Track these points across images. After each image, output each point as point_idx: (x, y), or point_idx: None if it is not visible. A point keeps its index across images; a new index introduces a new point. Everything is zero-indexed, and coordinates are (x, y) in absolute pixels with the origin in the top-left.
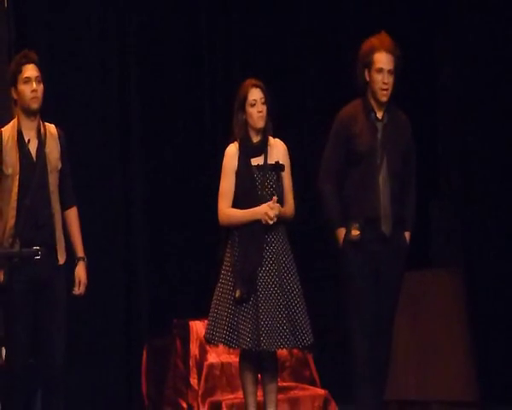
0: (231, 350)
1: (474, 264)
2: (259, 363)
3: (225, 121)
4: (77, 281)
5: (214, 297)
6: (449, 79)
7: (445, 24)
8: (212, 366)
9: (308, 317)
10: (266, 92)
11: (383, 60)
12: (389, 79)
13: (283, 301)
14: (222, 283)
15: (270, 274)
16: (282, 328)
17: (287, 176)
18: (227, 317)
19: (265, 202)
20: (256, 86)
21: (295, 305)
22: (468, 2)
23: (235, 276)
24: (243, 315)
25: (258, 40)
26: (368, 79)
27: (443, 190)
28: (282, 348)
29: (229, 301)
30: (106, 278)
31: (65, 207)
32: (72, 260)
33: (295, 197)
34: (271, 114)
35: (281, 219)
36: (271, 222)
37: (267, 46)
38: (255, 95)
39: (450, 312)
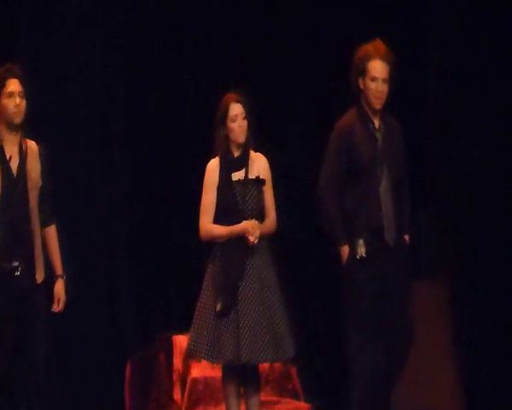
0: (214, 364)
1: (462, 274)
2: (242, 377)
3: (206, 136)
4: (56, 298)
5: (196, 311)
6: (436, 86)
7: (433, 32)
8: (195, 380)
9: (290, 330)
10: (247, 106)
11: (378, 68)
12: (383, 88)
13: (265, 314)
14: (203, 297)
15: (251, 288)
16: (264, 341)
17: (268, 190)
18: (208, 331)
19: (246, 217)
20: (236, 101)
21: (277, 318)
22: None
23: (217, 290)
24: (224, 329)
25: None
26: (362, 86)
27: (431, 200)
28: (263, 362)
29: (211, 314)
30: (90, 292)
31: (44, 224)
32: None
33: (277, 211)
34: (252, 128)
35: (263, 234)
36: (256, 241)
37: (250, 57)
38: (236, 110)
39: (436, 324)
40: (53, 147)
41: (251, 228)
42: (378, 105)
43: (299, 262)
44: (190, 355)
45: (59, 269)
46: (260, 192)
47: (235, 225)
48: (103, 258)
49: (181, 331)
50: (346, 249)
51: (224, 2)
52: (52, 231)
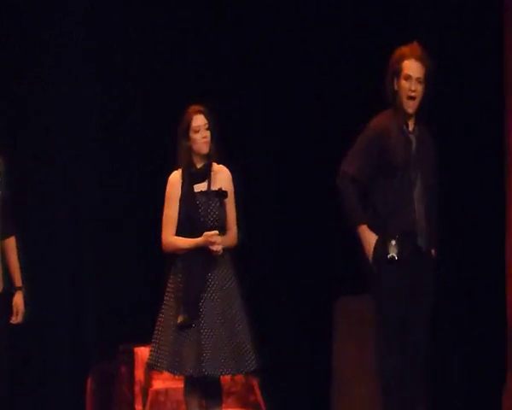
0: (176, 376)
1: None
2: (204, 389)
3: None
4: (14, 310)
5: (157, 323)
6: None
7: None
8: (157, 392)
9: (252, 342)
10: (210, 118)
11: (412, 67)
12: (417, 87)
13: (226, 326)
14: (165, 308)
15: (213, 300)
16: (225, 353)
17: (230, 203)
18: (170, 343)
19: (208, 229)
20: (199, 112)
21: (238, 330)
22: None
23: (178, 301)
24: (186, 341)
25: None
26: (396, 87)
27: None
28: (224, 374)
29: (172, 326)
30: (52, 305)
31: (4, 236)
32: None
33: (238, 224)
34: (215, 140)
35: (224, 247)
36: (219, 250)
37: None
38: (199, 121)
39: None
40: (16, 159)
41: (212, 238)
42: (410, 108)
43: (260, 275)
44: (152, 367)
45: (18, 281)
46: (222, 205)
47: (198, 238)
48: (65, 270)
49: (143, 343)
50: (363, 228)
51: (192, 15)
52: (12, 243)
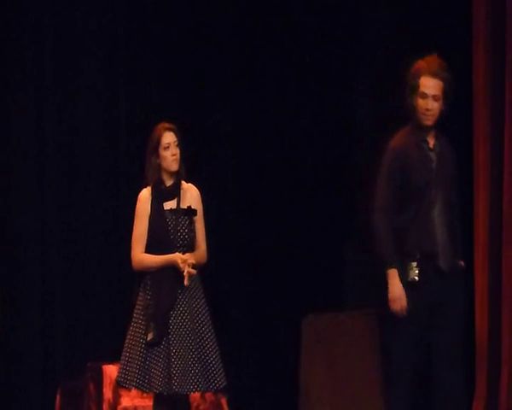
0: (144, 394)
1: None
2: (172, 407)
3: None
4: None
5: (126, 340)
6: (364, 122)
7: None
8: (125, 409)
9: (221, 360)
10: (179, 135)
11: (428, 84)
12: (433, 106)
13: (195, 344)
14: (134, 326)
15: (182, 317)
16: (194, 371)
17: (199, 221)
18: (139, 360)
19: (177, 247)
20: (169, 130)
21: (208, 348)
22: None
23: (148, 319)
24: (155, 358)
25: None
26: (414, 103)
27: (357, 231)
28: (194, 392)
29: (141, 344)
30: (20, 319)
31: None
32: None
33: (207, 242)
34: (184, 159)
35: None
36: (192, 272)
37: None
38: (169, 138)
39: (365, 355)
40: None
41: (182, 262)
42: (427, 121)
43: (228, 292)
44: (121, 384)
45: None
46: (191, 223)
47: (168, 255)
48: (34, 286)
49: (111, 361)
50: (394, 273)
51: (158, 33)
52: None
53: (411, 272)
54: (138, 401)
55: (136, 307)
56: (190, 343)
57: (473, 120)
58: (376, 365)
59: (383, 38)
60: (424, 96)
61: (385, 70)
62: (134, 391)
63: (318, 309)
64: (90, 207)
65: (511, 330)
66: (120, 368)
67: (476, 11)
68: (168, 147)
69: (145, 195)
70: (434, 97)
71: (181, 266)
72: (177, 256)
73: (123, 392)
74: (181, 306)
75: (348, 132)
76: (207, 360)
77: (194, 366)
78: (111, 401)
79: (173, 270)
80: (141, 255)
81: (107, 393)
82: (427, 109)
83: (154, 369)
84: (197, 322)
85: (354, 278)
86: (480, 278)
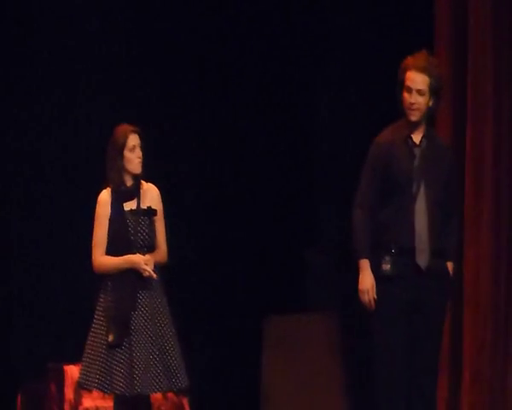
0: (106, 395)
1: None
2: (134, 408)
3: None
4: None
5: (87, 342)
6: (325, 125)
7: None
8: None
9: (183, 360)
10: (142, 137)
11: (412, 78)
12: (417, 100)
13: (157, 344)
14: (95, 327)
15: (143, 318)
16: (156, 371)
17: (159, 221)
18: (100, 361)
19: (138, 247)
20: (134, 132)
21: (169, 348)
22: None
23: (109, 320)
24: (117, 360)
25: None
26: (401, 98)
27: (319, 233)
28: (156, 392)
29: (103, 345)
30: None
31: None
32: None
33: (168, 242)
34: (145, 159)
35: (154, 265)
36: (153, 276)
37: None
38: (134, 140)
39: (326, 356)
40: None
41: (143, 264)
42: (412, 117)
43: (189, 293)
44: (82, 386)
45: None
46: (152, 223)
47: (128, 256)
48: None
49: (72, 362)
50: (364, 263)
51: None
52: None
53: (384, 264)
54: (100, 402)
55: (98, 308)
56: (152, 344)
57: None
58: (338, 366)
59: (349, 39)
60: (409, 90)
61: (347, 73)
62: (96, 392)
63: (280, 311)
64: (47, 204)
65: (473, 332)
66: (82, 370)
67: (438, 10)
68: (134, 149)
69: (105, 197)
70: (419, 92)
71: (142, 267)
72: (137, 257)
73: (84, 393)
74: (142, 307)
75: (312, 135)
76: (169, 360)
77: (156, 366)
78: (72, 401)
79: (133, 271)
80: (101, 258)
81: (69, 394)
82: (411, 103)
83: (116, 370)
84: (158, 322)
85: (316, 279)
86: None
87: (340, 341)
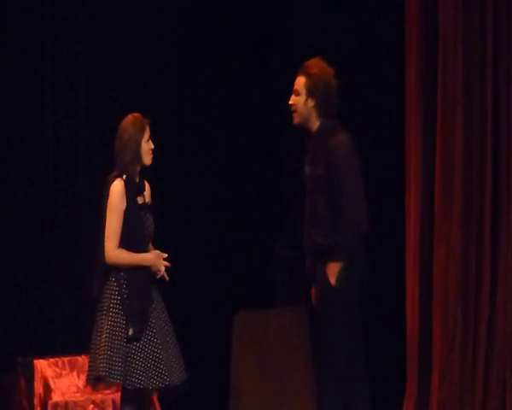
0: (79, 388)
1: None
2: (139, 402)
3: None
4: None
5: (104, 335)
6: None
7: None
8: (56, 404)
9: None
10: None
11: (296, 81)
12: (293, 100)
13: (171, 337)
14: (112, 321)
15: (158, 311)
16: (174, 362)
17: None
18: (122, 355)
19: (146, 242)
20: (148, 124)
21: (174, 340)
22: None
23: (128, 314)
24: (137, 353)
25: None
26: None
27: (288, 228)
28: (177, 383)
29: (123, 339)
30: None
31: None
32: None
33: None
34: None
35: None
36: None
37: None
38: (148, 132)
39: (295, 351)
40: None
41: (162, 266)
42: (293, 120)
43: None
44: (105, 379)
45: None
46: (153, 217)
47: (146, 255)
48: None
49: (41, 356)
50: None
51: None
52: None
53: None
54: (69, 396)
55: (112, 302)
56: (168, 336)
57: (404, 122)
58: (306, 361)
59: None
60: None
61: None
62: (66, 386)
63: (249, 306)
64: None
65: (442, 329)
66: (102, 363)
67: (408, 10)
68: (148, 140)
69: (120, 188)
70: (295, 92)
71: (161, 269)
72: (156, 258)
73: (54, 387)
74: (157, 301)
75: (281, 130)
76: (177, 352)
77: (174, 357)
78: (42, 395)
79: (148, 267)
80: (117, 251)
81: (38, 388)
82: (289, 104)
83: (136, 364)
84: (165, 315)
85: (285, 274)
86: (412, 277)
87: (309, 335)
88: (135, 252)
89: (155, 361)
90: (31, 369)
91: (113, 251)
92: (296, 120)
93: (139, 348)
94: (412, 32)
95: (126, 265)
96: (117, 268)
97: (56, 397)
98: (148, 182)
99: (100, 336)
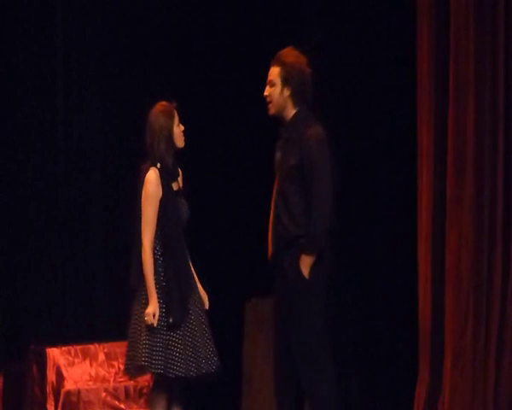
0: (91, 376)
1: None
2: (170, 389)
3: None
4: None
5: (144, 324)
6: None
7: None
8: (68, 392)
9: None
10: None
11: (270, 72)
12: (268, 91)
13: (207, 325)
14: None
15: (194, 300)
16: (210, 350)
17: None
18: (162, 344)
19: (182, 228)
20: (176, 108)
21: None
22: None
23: (169, 302)
24: (178, 342)
25: None
26: None
27: None
28: (213, 370)
29: (163, 327)
30: None
31: None
32: None
33: None
34: None
35: None
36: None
37: None
38: (177, 115)
39: None
40: None
41: (152, 318)
42: (268, 111)
43: None
44: (146, 369)
45: None
46: (187, 202)
47: (154, 294)
48: None
49: (54, 344)
50: None
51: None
52: None
53: None
54: (82, 384)
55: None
56: (204, 324)
57: (416, 106)
58: None
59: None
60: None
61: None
62: (78, 374)
63: (261, 293)
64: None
65: (454, 314)
66: (143, 352)
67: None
68: (178, 124)
69: (155, 176)
70: (269, 83)
71: (150, 320)
72: (154, 308)
73: (66, 375)
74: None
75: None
76: (211, 339)
77: (210, 345)
78: (54, 383)
79: (185, 253)
80: (149, 256)
81: (51, 376)
82: (264, 96)
83: (178, 353)
84: (201, 304)
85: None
86: (424, 261)
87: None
88: (173, 236)
89: (194, 349)
90: (43, 357)
91: (148, 252)
92: (272, 110)
93: (179, 336)
94: (424, 16)
95: (144, 273)
96: (154, 258)
97: (69, 385)
98: (181, 168)
99: (139, 324)
